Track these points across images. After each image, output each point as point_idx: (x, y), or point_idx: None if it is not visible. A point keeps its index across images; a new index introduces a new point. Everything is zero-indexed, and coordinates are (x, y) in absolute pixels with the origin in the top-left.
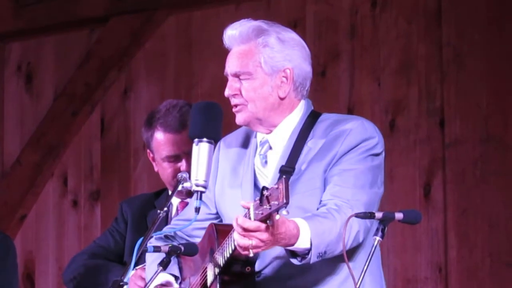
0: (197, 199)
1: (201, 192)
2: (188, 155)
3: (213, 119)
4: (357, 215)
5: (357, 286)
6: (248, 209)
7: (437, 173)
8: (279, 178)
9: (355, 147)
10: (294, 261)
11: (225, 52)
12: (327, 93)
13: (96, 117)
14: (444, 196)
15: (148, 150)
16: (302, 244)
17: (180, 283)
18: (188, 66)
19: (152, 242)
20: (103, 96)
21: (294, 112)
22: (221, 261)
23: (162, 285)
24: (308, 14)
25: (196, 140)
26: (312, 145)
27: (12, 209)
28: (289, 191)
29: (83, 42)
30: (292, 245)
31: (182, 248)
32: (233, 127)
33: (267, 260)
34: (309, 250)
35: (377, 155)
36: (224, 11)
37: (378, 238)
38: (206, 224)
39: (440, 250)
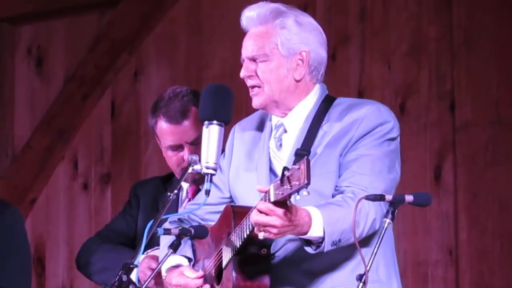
0: (207, 181)
1: (211, 175)
2: (190, 144)
3: (224, 101)
4: (367, 197)
5: (367, 269)
6: (265, 193)
7: (448, 156)
8: (295, 161)
9: (371, 131)
10: (309, 249)
11: (235, 34)
12: (337, 77)
13: (107, 100)
14: (455, 179)
15: (155, 136)
16: (315, 232)
17: (193, 265)
18: (198, 49)
19: (166, 224)
20: (114, 79)
21: (309, 96)
22: (237, 242)
23: (174, 266)
24: None
25: (206, 122)
26: (327, 128)
27: (22, 192)
28: (310, 172)
29: (93, 25)
30: (305, 233)
31: (192, 231)
32: (244, 110)
33: (280, 243)
34: (323, 238)
35: (393, 139)
36: None
37: (388, 220)
38: (219, 208)
39: (450, 233)
